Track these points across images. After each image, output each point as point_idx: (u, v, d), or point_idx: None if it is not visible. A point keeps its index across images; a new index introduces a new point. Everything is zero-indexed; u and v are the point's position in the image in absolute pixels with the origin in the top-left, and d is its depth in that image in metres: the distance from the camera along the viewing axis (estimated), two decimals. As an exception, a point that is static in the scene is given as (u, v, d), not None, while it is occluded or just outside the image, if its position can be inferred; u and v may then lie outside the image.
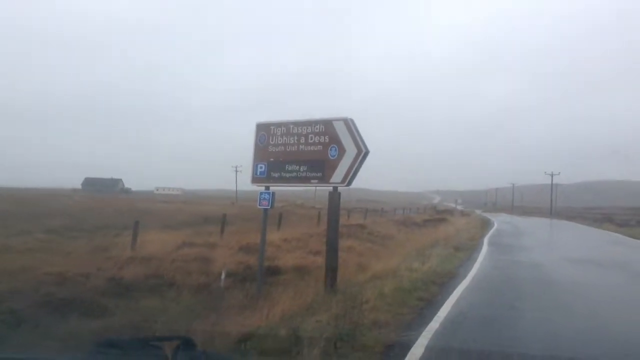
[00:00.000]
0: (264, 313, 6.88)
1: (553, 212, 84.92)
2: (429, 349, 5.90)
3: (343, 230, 20.97)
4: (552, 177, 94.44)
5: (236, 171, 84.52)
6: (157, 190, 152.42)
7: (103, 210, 31.23)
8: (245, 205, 47.26)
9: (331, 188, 9.65)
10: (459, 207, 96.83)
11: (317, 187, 12.02)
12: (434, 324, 7.14)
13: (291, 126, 9.96)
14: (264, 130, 10.22)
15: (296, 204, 56.17)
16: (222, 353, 2.93)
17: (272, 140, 10.09)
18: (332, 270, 9.44)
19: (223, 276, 9.45)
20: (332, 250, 9.67)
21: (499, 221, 51.69)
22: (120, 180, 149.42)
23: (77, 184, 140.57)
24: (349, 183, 9.44)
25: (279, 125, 10.12)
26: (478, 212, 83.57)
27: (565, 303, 9.69)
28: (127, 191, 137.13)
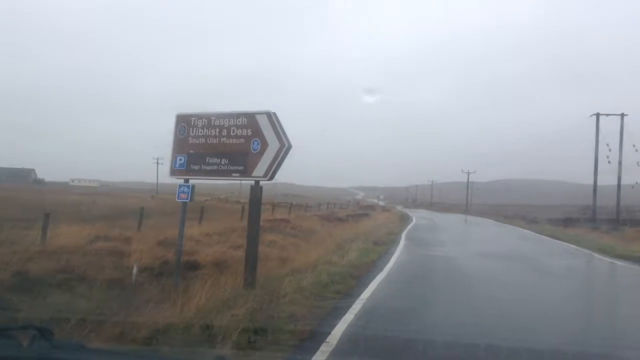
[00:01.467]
0: (179, 308, 6.76)
1: (468, 209, 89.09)
2: (342, 340, 6.04)
3: (267, 225, 20.97)
4: (468, 175, 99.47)
5: (157, 163, 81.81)
6: (73, 181, 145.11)
7: (10, 202, 29.38)
8: (166, 198, 46.03)
9: (253, 182, 9.62)
10: (381, 203, 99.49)
11: (239, 181, 11.93)
12: (349, 316, 7.32)
13: (213, 118, 9.82)
14: (184, 122, 10.01)
15: (220, 198, 55.48)
16: (81, 343, 2.85)
17: (192, 132, 9.90)
18: (251, 264, 9.42)
19: (135, 271, 9.18)
20: (252, 244, 9.66)
21: (418, 217, 53.52)
22: (33, 170, 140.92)
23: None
24: (271, 177, 9.43)
25: (200, 116, 9.94)
26: (399, 208, 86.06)
27: (473, 294, 10.23)
28: (40, 182, 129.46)
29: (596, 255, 20.12)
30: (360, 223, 32.20)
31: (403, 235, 25.83)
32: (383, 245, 18.79)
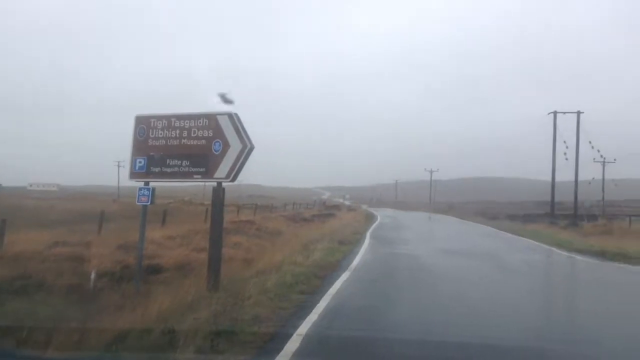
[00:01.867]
0: (139, 312, 6.65)
1: (432, 207, 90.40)
2: (305, 341, 6.04)
3: (232, 227, 20.83)
4: (431, 173, 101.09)
5: (118, 166, 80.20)
6: (31, 186, 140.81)
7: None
8: (128, 202, 44.98)
9: (215, 183, 9.54)
10: (347, 203, 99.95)
11: (201, 182, 11.80)
12: (313, 316, 7.32)
13: (173, 120, 9.69)
14: (144, 123, 9.85)
15: (184, 201, 54.75)
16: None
17: (152, 134, 9.75)
18: (214, 267, 9.34)
19: (93, 276, 9.01)
20: (215, 246, 9.58)
21: (382, 215, 54.03)
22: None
23: None
24: (234, 178, 9.38)
25: (160, 118, 9.80)
26: (364, 207, 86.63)
27: (437, 291, 10.38)
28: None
29: (555, 250, 20.68)
30: (326, 223, 32.28)
31: (368, 234, 26.03)
32: (348, 245, 18.89)
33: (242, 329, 6.34)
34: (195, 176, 9.63)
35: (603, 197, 58.73)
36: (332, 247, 16.93)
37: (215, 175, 9.35)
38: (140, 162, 9.74)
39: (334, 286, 9.98)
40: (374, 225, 35.19)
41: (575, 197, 42.20)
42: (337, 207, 68.44)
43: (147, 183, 9.68)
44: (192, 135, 9.53)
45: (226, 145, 9.25)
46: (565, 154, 41.46)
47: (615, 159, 59.14)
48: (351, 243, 19.79)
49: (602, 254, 18.27)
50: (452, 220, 50.78)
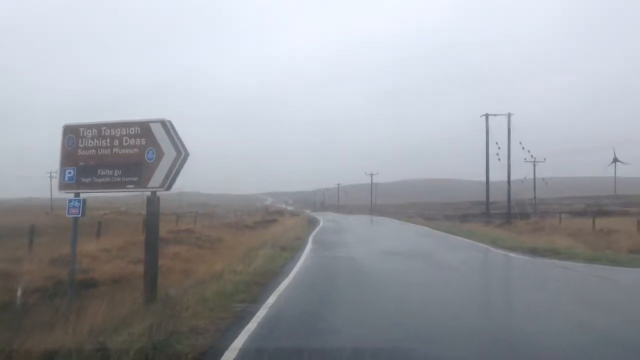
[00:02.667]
0: (71, 329, 6.39)
1: (373, 209, 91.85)
2: (242, 351, 5.98)
3: (170, 236, 20.38)
4: (371, 177, 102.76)
5: (50, 177, 76.75)
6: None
7: None
8: (61, 214, 43.30)
9: (150, 193, 9.31)
10: (290, 208, 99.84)
11: (137, 192, 11.49)
12: (252, 325, 7.25)
13: (103, 128, 9.40)
14: (73, 133, 9.50)
15: (120, 211, 53.11)
16: None
17: (81, 143, 9.41)
18: (151, 278, 9.10)
19: (19, 293, 8.61)
20: (151, 257, 9.32)
21: (325, 220, 54.42)
22: None
23: None
24: (169, 187, 9.18)
25: (89, 127, 9.48)
26: (307, 212, 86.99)
27: (377, 293, 10.50)
28: None
29: (490, 248, 21.41)
30: (268, 229, 32.18)
31: (310, 239, 26.12)
32: (290, 251, 18.88)
33: (179, 341, 6.21)
34: (128, 186, 9.36)
35: (535, 196, 61.51)
36: (274, 254, 16.88)
37: (150, 185, 9.12)
38: (69, 172, 9.38)
39: (274, 293, 9.94)
40: (316, 230, 35.38)
41: (509, 196, 43.96)
42: (280, 212, 68.36)
43: (77, 194, 9.34)
44: (124, 143, 9.27)
45: (160, 154, 9.05)
46: (497, 154, 43.25)
47: (545, 159, 62.21)
48: (293, 249, 19.79)
49: (534, 251, 19.10)
50: (393, 222, 51.73)
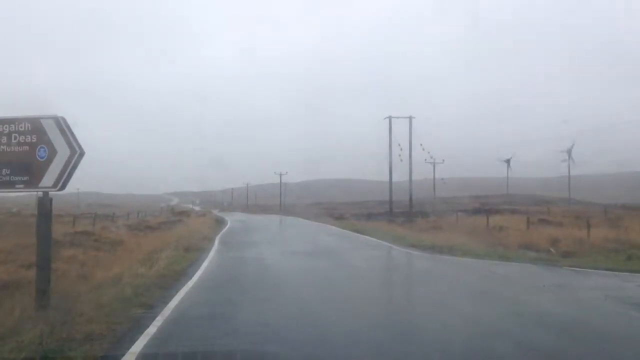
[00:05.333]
0: (-51, 341, 5.91)
1: (283, 209, 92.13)
2: (140, 356, 5.82)
3: (66, 239, 19.28)
4: (280, 176, 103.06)
5: None
6: None
7: None
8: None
9: (41, 193, 8.77)
10: (197, 208, 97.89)
11: (24, 193, 10.75)
12: (152, 329, 7.05)
13: (-11, 124, 8.73)
14: (-46, 129, 8.74)
15: (11, 212, 49.41)
16: None
17: (-36, 141, 8.69)
18: (43, 283, 8.56)
19: None
20: (43, 261, 8.78)
21: (233, 220, 53.81)
22: None
23: None
24: (62, 187, 8.69)
25: (-27, 123, 8.77)
26: (215, 212, 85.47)
27: (280, 293, 10.58)
28: None
29: (393, 246, 22.23)
30: (173, 230, 31.27)
31: (217, 239, 25.78)
32: (195, 252, 18.53)
33: (73, 348, 5.93)
34: (17, 186, 8.76)
35: (434, 195, 64.56)
36: (178, 255, 16.48)
37: (41, 184, 8.60)
38: (-51, 172, 8.63)
39: (177, 296, 9.72)
40: (223, 230, 34.94)
41: (410, 196, 45.83)
42: (187, 213, 66.57)
43: (-43, 195, 8.62)
44: (13, 140, 8.66)
45: (52, 152, 8.56)
46: (400, 155, 44.97)
47: (444, 160, 65.55)
48: (198, 250, 19.43)
49: (432, 248, 20.10)
50: (301, 222, 52.17)
